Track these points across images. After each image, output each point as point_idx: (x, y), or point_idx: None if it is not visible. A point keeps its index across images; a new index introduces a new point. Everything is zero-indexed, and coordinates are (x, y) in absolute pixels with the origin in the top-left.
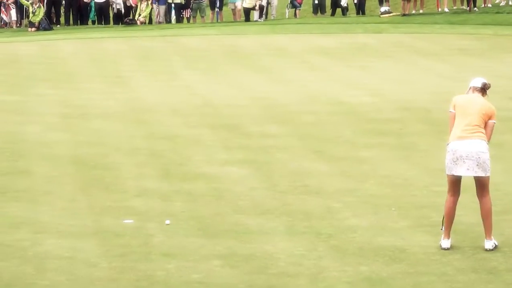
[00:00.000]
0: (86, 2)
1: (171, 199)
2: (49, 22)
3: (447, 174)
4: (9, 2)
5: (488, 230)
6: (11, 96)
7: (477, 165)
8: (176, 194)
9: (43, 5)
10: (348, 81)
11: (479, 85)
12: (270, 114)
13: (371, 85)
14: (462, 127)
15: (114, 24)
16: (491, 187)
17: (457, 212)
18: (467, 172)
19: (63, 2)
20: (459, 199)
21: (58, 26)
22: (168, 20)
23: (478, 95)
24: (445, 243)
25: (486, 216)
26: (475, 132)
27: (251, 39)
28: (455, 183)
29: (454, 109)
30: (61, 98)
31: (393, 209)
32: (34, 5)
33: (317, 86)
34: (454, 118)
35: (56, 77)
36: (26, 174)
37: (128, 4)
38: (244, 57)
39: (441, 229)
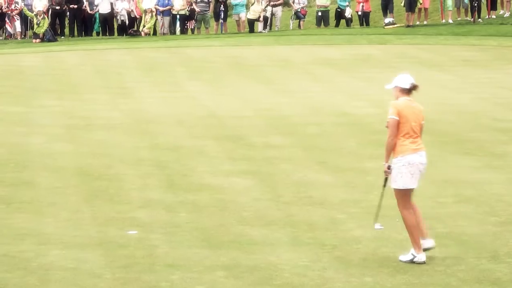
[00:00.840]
0: (90, 14)
1: (175, 210)
2: (54, 34)
3: (404, 189)
4: (14, 13)
5: (425, 230)
6: (16, 108)
7: (421, 175)
8: (180, 205)
9: (48, 17)
10: (352, 92)
11: (407, 86)
12: (274, 125)
13: (375, 96)
14: (411, 139)
15: (118, 35)
16: (493, 197)
17: (461, 223)
18: (417, 184)
19: (68, 13)
20: (463, 209)
21: (63, 37)
22: (172, 31)
23: (410, 100)
24: (423, 256)
25: (420, 217)
26: (421, 143)
27: (255, 50)
28: (410, 195)
29: (398, 116)
30: (65, 109)
31: (397, 220)
32: (38, 16)
33: (321, 97)
34: (398, 126)
35: (61, 88)
36: (30, 185)
37: (132, 16)
38: (248, 68)
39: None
